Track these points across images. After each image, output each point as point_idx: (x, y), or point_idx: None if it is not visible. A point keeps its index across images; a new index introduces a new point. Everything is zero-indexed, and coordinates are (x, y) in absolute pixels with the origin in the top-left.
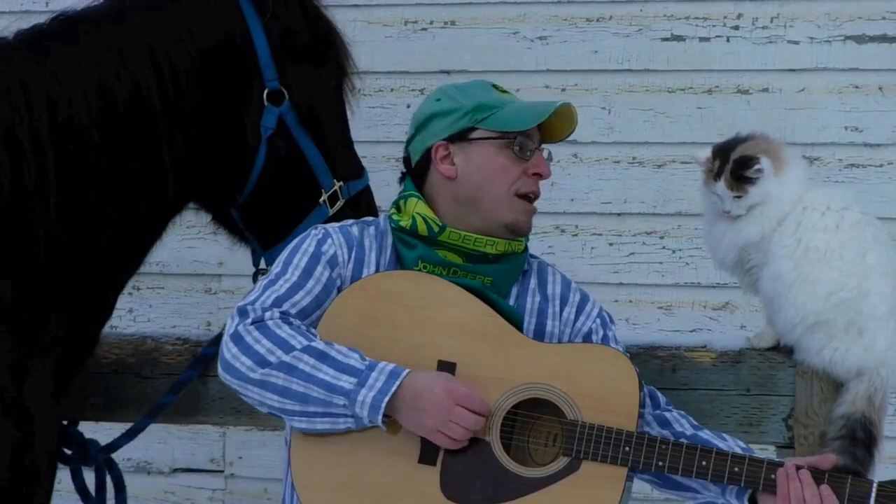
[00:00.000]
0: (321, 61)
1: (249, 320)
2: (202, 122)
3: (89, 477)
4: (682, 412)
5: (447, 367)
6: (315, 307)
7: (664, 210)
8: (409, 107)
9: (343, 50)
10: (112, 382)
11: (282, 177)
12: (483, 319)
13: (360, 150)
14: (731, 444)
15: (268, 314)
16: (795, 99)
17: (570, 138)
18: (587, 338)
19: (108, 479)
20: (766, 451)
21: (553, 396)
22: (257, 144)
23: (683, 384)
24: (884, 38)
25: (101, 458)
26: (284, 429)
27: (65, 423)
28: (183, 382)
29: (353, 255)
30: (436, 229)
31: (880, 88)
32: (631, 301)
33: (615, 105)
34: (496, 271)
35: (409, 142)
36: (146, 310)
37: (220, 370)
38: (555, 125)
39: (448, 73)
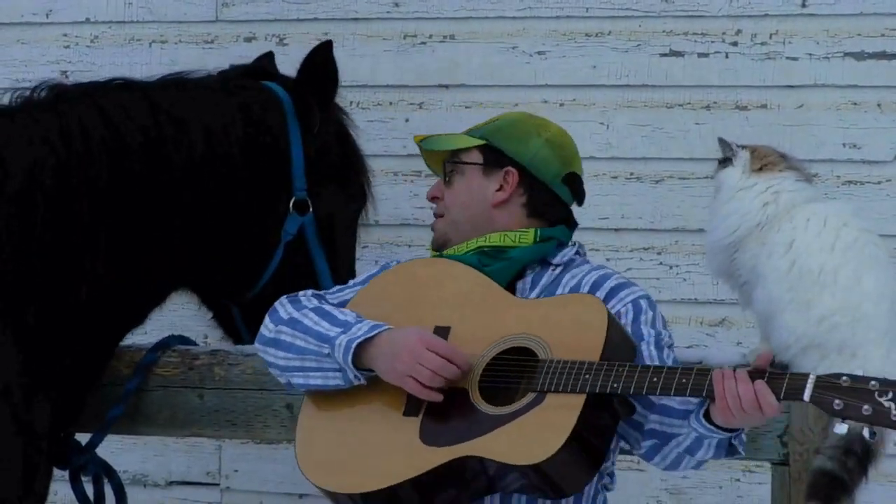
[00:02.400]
0: (346, 183)
1: (288, 299)
2: (227, 209)
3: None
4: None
5: (442, 331)
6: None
7: (662, 226)
8: (407, 121)
9: (368, 180)
10: (106, 394)
11: (288, 282)
12: (480, 288)
13: None
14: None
15: (302, 293)
16: (794, 115)
17: None
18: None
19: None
20: (761, 468)
21: (530, 343)
22: (275, 248)
23: None
24: (882, 55)
25: (78, 461)
26: (280, 442)
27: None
28: (129, 393)
29: None
30: (434, 255)
31: (879, 105)
32: None
33: (613, 120)
34: (493, 266)
35: None
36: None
37: (255, 342)
38: (429, 155)
39: (447, 87)
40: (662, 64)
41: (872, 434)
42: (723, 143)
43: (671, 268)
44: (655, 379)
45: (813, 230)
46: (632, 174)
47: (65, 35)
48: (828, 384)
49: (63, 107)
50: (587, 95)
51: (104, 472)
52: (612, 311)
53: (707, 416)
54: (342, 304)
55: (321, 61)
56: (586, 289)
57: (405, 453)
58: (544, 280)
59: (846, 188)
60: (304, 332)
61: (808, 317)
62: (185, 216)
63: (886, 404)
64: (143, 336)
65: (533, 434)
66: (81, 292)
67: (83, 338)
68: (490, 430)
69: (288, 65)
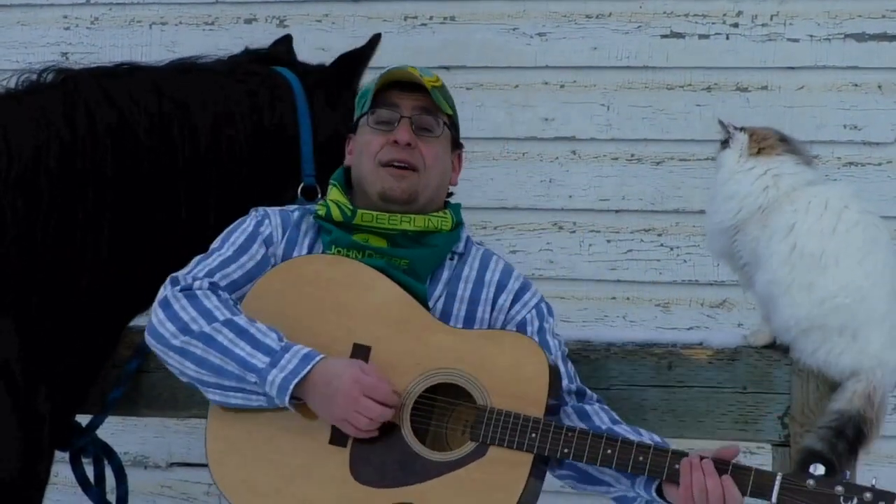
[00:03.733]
0: None
1: (179, 287)
2: (234, 194)
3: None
4: (606, 406)
5: (362, 350)
6: (247, 281)
7: (662, 207)
8: None
9: None
10: (107, 376)
11: None
12: (399, 304)
13: None
14: (646, 438)
15: (197, 283)
16: (795, 97)
17: (568, 134)
18: (521, 327)
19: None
20: (762, 450)
21: (463, 381)
22: None
23: (679, 381)
24: (883, 37)
25: (79, 442)
26: None
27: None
28: (129, 374)
29: (286, 235)
30: (349, 214)
31: (879, 87)
32: (628, 298)
33: (614, 102)
34: (414, 254)
35: None
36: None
37: (146, 335)
38: (429, 89)
39: (448, 68)
40: (663, 45)
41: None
42: (721, 124)
43: (672, 249)
44: (610, 451)
45: (814, 213)
46: (632, 156)
47: (65, 17)
48: (795, 487)
49: (69, 91)
50: (588, 77)
51: (104, 453)
52: (518, 318)
53: (659, 489)
54: (232, 287)
55: (361, 57)
56: (491, 289)
57: (337, 489)
58: (445, 274)
59: (847, 170)
60: (220, 352)
61: (810, 299)
62: (191, 201)
63: None
64: (145, 317)
65: (480, 492)
66: (85, 277)
67: (87, 323)
68: (431, 477)
69: None
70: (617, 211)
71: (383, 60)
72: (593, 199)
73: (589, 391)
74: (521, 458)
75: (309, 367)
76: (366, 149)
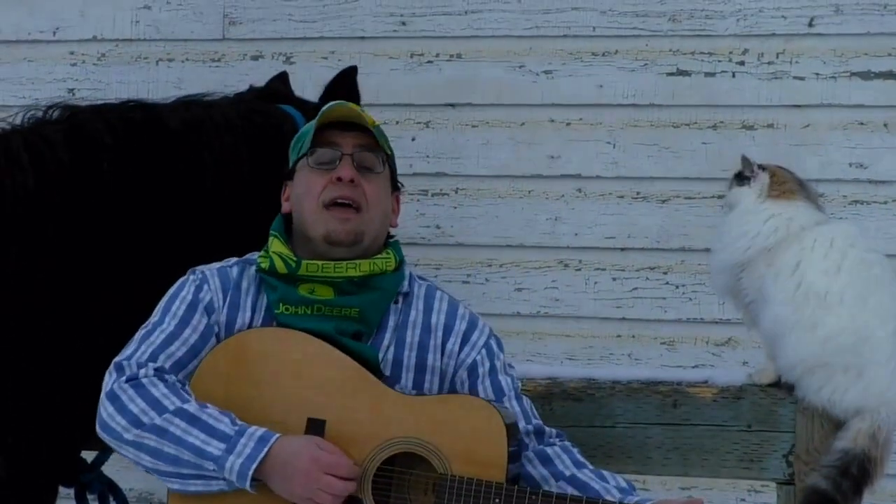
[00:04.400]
0: None
1: (125, 378)
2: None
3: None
4: (569, 446)
5: (317, 424)
6: (191, 357)
7: (668, 245)
8: (413, 139)
9: None
10: None
11: None
12: (351, 374)
13: None
14: (611, 484)
15: (142, 371)
16: (800, 135)
17: (574, 172)
18: (472, 370)
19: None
20: (766, 488)
21: (422, 450)
22: None
23: (685, 419)
24: (889, 75)
25: (87, 477)
26: None
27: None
28: None
29: (227, 299)
30: (293, 265)
31: (885, 125)
32: (633, 336)
33: (620, 139)
34: (364, 301)
35: None
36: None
37: (97, 428)
38: (368, 126)
39: (454, 105)
40: (669, 83)
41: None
42: (745, 160)
43: (677, 287)
44: None
45: (819, 251)
46: (638, 193)
47: (72, 53)
48: None
49: (75, 127)
50: (594, 115)
51: (110, 490)
52: (469, 362)
53: None
54: (177, 367)
55: (346, 86)
56: (439, 334)
57: None
58: (391, 321)
59: (853, 208)
60: (175, 442)
61: (814, 337)
62: (192, 235)
63: None
64: None
65: None
66: (87, 313)
67: (90, 362)
68: None
69: (294, 84)
70: (622, 249)
71: (390, 98)
72: (599, 236)
73: (548, 429)
74: None
75: (266, 448)
76: (307, 191)
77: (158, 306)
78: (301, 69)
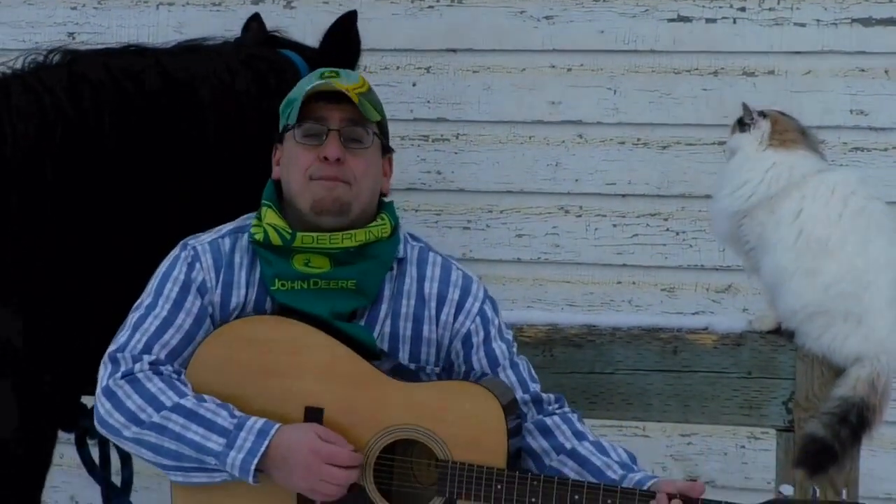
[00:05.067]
0: None
1: (120, 374)
2: (239, 176)
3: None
4: (569, 413)
5: (315, 413)
6: (186, 344)
7: (668, 192)
8: (414, 85)
9: None
10: None
11: None
12: (347, 362)
13: None
14: (613, 458)
15: (137, 366)
16: (801, 82)
17: (575, 118)
18: (466, 339)
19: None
20: (766, 435)
21: (423, 437)
22: None
23: (685, 366)
24: (890, 22)
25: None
26: None
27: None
28: None
29: (220, 279)
30: (287, 237)
31: (886, 72)
32: (634, 283)
33: (621, 86)
34: (360, 271)
35: None
36: None
37: (96, 423)
38: (356, 101)
39: (455, 51)
40: (670, 29)
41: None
42: (745, 108)
43: (678, 234)
44: (577, 497)
45: (821, 199)
46: (639, 140)
47: None
48: None
49: (76, 73)
50: (595, 61)
51: None
52: (463, 331)
53: None
54: (172, 356)
55: (345, 31)
56: (433, 304)
57: None
58: (387, 291)
59: (853, 155)
60: (175, 438)
61: (815, 284)
62: (196, 182)
63: None
64: None
65: None
66: (91, 260)
67: (93, 306)
68: None
69: (295, 28)
70: (623, 195)
71: (390, 43)
72: (600, 183)
73: (545, 395)
74: None
75: (266, 442)
76: (294, 163)
77: (150, 285)
78: (302, 14)
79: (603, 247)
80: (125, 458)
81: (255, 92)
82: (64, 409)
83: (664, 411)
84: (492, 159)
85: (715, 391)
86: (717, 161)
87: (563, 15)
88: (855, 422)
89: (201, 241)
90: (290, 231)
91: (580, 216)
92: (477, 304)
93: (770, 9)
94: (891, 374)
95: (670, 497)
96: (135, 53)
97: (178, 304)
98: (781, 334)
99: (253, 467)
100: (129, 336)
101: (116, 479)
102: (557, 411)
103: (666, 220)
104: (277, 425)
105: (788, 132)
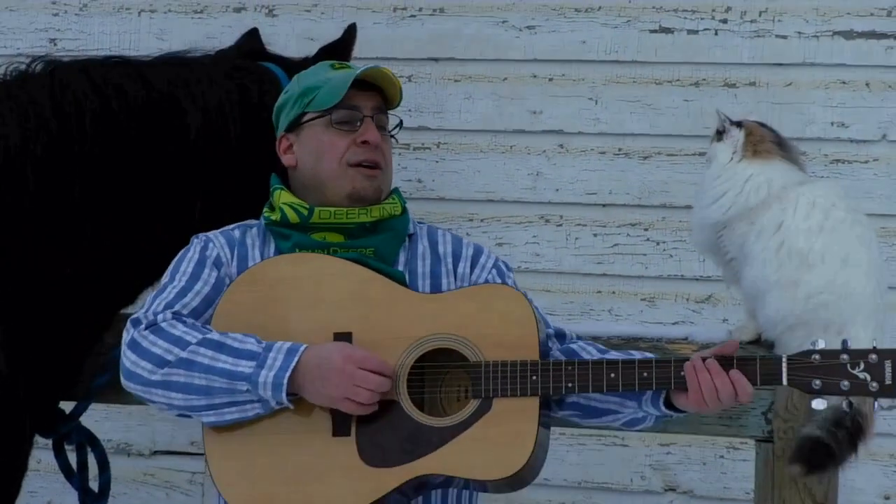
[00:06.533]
0: None
1: (143, 326)
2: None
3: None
4: (590, 341)
5: (343, 337)
6: (206, 306)
7: (649, 202)
8: None
9: None
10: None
11: None
12: (370, 284)
13: None
14: (638, 357)
15: (160, 316)
16: (782, 93)
17: (556, 128)
18: None
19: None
20: (745, 445)
21: (453, 344)
22: None
23: None
24: (871, 34)
25: (65, 427)
26: None
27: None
28: (114, 360)
29: (235, 253)
30: (305, 213)
31: (867, 84)
32: (614, 292)
33: (602, 96)
34: (378, 241)
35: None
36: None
37: (122, 379)
38: (388, 91)
39: (436, 60)
40: (652, 40)
41: (850, 405)
42: (719, 115)
43: (658, 244)
44: (613, 375)
45: (802, 211)
46: (620, 150)
47: (53, 3)
48: (802, 364)
49: (58, 82)
50: (577, 70)
51: (88, 441)
52: (481, 282)
53: (667, 401)
54: (193, 316)
55: (349, 44)
56: (448, 260)
57: (350, 478)
58: (402, 257)
59: (834, 167)
60: (204, 371)
61: (796, 295)
62: (177, 193)
63: (861, 375)
64: (131, 307)
65: (496, 444)
66: (69, 266)
67: (71, 311)
68: (442, 443)
69: (277, 36)
70: (604, 205)
71: (372, 52)
72: (580, 192)
73: (567, 331)
74: (527, 403)
75: (296, 357)
76: (329, 150)
77: (167, 271)
78: (283, 21)
79: (583, 256)
80: (102, 464)
81: (236, 100)
82: (41, 414)
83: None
84: (473, 168)
85: None
86: (697, 172)
87: (544, 25)
88: (850, 426)
89: (210, 232)
90: (307, 207)
91: (561, 225)
92: (491, 260)
93: (752, 21)
94: None
95: (704, 358)
96: (117, 64)
97: (195, 276)
98: (761, 345)
99: (285, 382)
100: (150, 304)
101: (94, 485)
102: (580, 341)
103: (646, 230)
104: (305, 345)
105: (763, 143)
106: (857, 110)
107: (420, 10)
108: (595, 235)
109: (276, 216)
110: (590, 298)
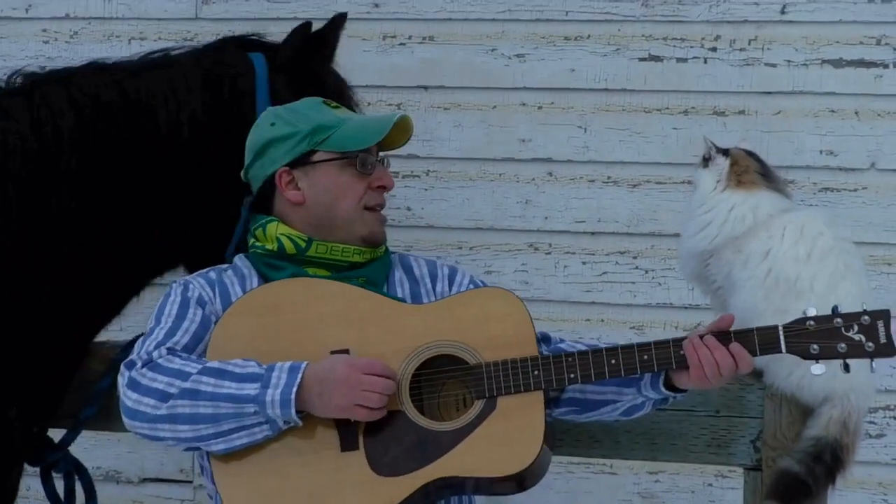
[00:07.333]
0: None
1: (139, 365)
2: (195, 184)
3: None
4: (575, 341)
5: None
6: (196, 343)
7: (638, 230)
8: None
9: None
10: (81, 392)
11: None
12: (362, 302)
13: None
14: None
15: (155, 353)
16: (771, 122)
17: (545, 156)
18: None
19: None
20: (734, 473)
21: (451, 349)
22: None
23: None
24: (860, 63)
25: (53, 456)
26: None
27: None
28: (102, 391)
29: (217, 290)
30: (303, 245)
31: (856, 113)
32: (603, 320)
33: (591, 124)
34: (368, 270)
35: (247, 169)
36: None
37: (125, 420)
38: (392, 135)
39: (426, 88)
40: (641, 68)
41: (846, 368)
42: (706, 141)
43: (647, 272)
44: (614, 361)
45: (789, 239)
46: (609, 178)
47: (44, 30)
48: (798, 331)
49: (35, 95)
50: (566, 99)
51: (76, 469)
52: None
53: (666, 382)
54: (187, 353)
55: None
56: (427, 281)
57: (364, 490)
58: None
59: (823, 195)
60: (209, 399)
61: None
62: (153, 204)
63: (857, 337)
64: (119, 332)
65: (506, 441)
66: (48, 286)
67: (50, 334)
68: (451, 446)
69: None
70: (592, 233)
71: (362, 79)
72: (569, 220)
73: (551, 334)
74: (531, 397)
75: (300, 374)
76: (348, 192)
77: (151, 317)
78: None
79: (572, 284)
80: (89, 493)
81: (205, 92)
82: (30, 442)
83: (632, 449)
84: (462, 196)
85: (682, 429)
86: (686, 200)
87: (534, 53)
88: (829, 461)
89: (188, 276)
90: (305, 238)
91: (549, 253)
92: (467, 277)
93: (741, 49)
94: (861, 412)
95: (701, 336)
96: (94, 72)
97: (181, 316)
98: (749, 373)
99: (293, 396)
100: (140, 346)
101: None
102: (566, 341)
103: (635, 258)
104: (306, 362)
105: (748, 173)
106: (846, 139)
107: (410, 38)
108: (584, 263)
109: (271, 246)
110: (578, 326)
